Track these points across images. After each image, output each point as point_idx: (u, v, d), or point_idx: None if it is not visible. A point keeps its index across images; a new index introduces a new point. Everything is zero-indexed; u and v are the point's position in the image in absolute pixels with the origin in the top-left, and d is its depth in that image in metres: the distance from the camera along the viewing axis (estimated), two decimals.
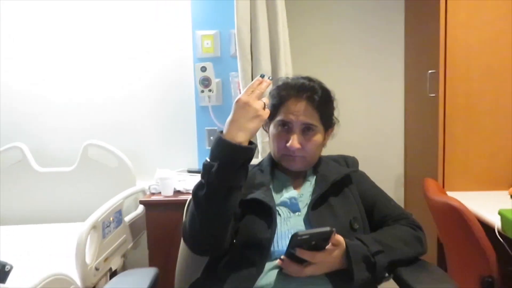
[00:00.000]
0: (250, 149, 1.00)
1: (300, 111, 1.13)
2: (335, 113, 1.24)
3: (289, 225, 1.08)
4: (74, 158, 2.35)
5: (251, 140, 1.03)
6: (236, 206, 1.05)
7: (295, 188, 1.18)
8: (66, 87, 2.44)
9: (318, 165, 1.22)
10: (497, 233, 1.34)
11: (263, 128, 1.23)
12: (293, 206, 1.13)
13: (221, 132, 1.03)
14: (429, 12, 1.94)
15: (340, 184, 1.16)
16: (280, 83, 1.22)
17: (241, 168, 1.00)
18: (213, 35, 2.30)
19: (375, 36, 2.38)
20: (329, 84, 1.26)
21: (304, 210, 1.12)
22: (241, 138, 0.99)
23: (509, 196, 1.73)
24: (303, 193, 1.16)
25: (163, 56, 2.40)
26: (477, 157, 1.89)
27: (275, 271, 1.03)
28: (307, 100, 1.14)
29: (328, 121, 1.20)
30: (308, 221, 1.09)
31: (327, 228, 0.95)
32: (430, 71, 1.93)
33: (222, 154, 0.99)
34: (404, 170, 2.41)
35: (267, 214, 1.08)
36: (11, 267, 1.34)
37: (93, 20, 2.40)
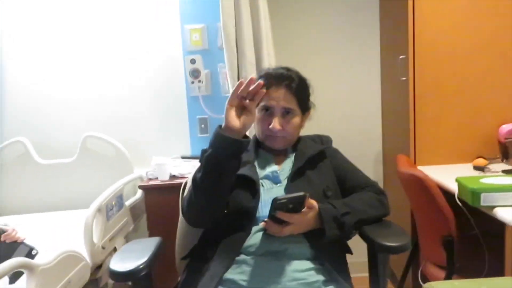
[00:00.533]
0: (238, 141, 1.14)
1: (280, 97, 1.29)
2: (311, 98, 1.41)
3: (271, 194, 1.25)
4: (74, 149, 2.49)
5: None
6: (227, 188, 1.21)
7: (277, 164, 1.35)
8: (65, 84, 2.57)
9: (297, 143, 1.39)
10: (456, 199, 1.52)
11: None
12: (275, 179, 1.30)
13: (221, 126, 1.18)
14: (399, 2, 2.09)
15: (316, 159, 1.33)
16: (262, 73, 1.38)
17: (231, 157, 1.15)
18: (201, 29, 2.45)
19: (352, 26, 2.52)
20: (311, 72, 1.42)
21: (284, 182, 1.29)
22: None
23: (472, 168, 1.92)
24: (284, 168, 1.34)
25: (156, 51, 2.53)
26: (445, 134, 2.06)
27: (261, 233, 1.20)
28: (286, 87, 1.30)
29: (305, 105, 1.36)
30: (287, 190, 1.26)
31: (301, 193, 1.12)
32: (400, 57, 2.09)
33: (215, 142, 1.15)
34: (382, 147, 2.59)
35: (252, 186, 1.25)
36: (37, 252, 1.52)
37: (90, 21, 2.52)
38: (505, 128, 1.99)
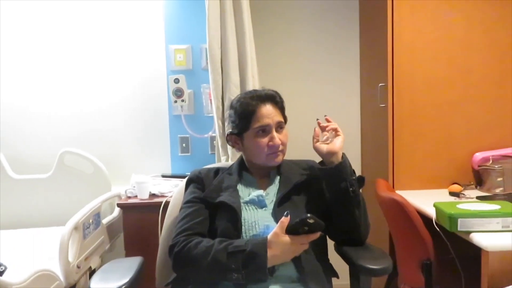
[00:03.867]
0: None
1: (272, 113, 1.33)
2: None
3: (256, 217, 1.26)
4: (50, 165, 2.43)
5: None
6: None
7: (261, 187, 1.36)
8: (42, 97, 2.53)
9: (281, 166, 1.40)
10: (434, 223, 1.56)
11: (230, 145, 1.42)
12: (260, 203, 1.31)
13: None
14: (379, 33, 2.17)
15: (301, 185, 1.35)
16: (241, 98, 1.38)
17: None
18: (185, 49, 2.47)
19: (334, 53, 2.61)
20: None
21: (270, 206, 1.30)
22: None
23: (448, 193, 1.98)
24: (269, 192, 1.34)
25: (139, 69, 2.54)
26: (422, 160, 2.13)
27: None
28: (272, 103, 1.35)
29: (286, 118, 1.41)
30: (275, 215, 1.27)
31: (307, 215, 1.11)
32: (380, 84, 2.17)
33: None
34: (361, 172, 2.64)
35: (234, 212, 1.25)
36: (6, 268, 1.45)
37: (70, 33, 2.52)
38: (478, 156, 2.07)
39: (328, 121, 1.33)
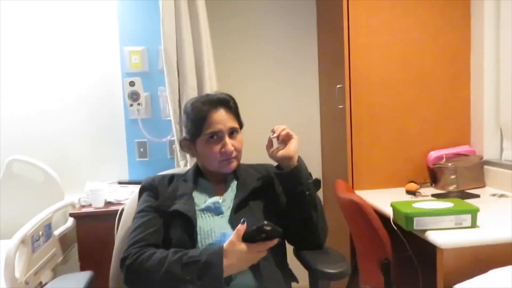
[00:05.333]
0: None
1: (224, 119, 1.28)
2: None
3: (212, 225, 1.22)
4: None
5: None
6: None
7: (217, 193, 1.32)
8: None
9: (238, 171, 1.36)
10: (392, 222, 1.58)
11: (185, 151, 1.38)
12: (216, 210, 1.26)
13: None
14: (336, 36, 2.19)
15: (259, 190, 1.31)
16: (194, 103, 1.34)
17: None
18: (141, 51, 2.40)
19: (292, 55, 2.62)
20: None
21: (227, 213, 1.26)
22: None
23: (405, 192, 2.02)
24: (226, 198, 1.30)
25: (91, 71, 2.45)
26: (379, 160, 2.16)
27: None
28: (225, 108, 1.30)
29: (241, 123, 1.37)
30: (231, 222, 1.23)
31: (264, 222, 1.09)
32: (338, 86, 2.19)
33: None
34: (322, 173, 2.66)
35: (188, 221, 1.21)
36: None
37: (18, 34, 2.38)
38: (433, 154, 2.13)
39: (274, 133, 1.30)
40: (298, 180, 1.24)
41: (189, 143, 1.34)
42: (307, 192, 1.23)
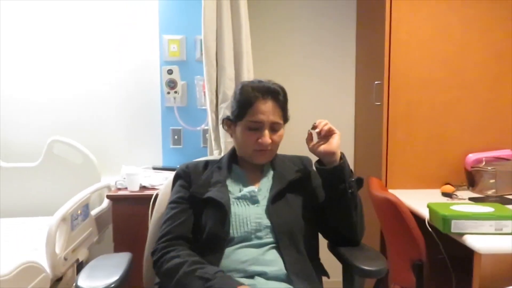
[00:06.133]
0: None
1: (269, 111, 1.26)
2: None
3: (248, 213, 1.22)
4: (38, 153, 2.39)
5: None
6: None
7: (251, 181, 1.32)
8: (33, 84, 2.48)
9: (274, 162, 1.36)
10: (427, 224, 1.56)
11: (225, 129, 1.37)
12: (252, 199, 1.27)
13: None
14: (377, 31, 2.15)
15: (295, 182, 1.31)
16: (244, 86, 1.32)
17: None
18: (179, 40, 2.43)
19: (330, 50, 2.59)
20: (287, 92, 1.42)
21: (263, 202, 1.26)
22: None
23: (440, 193, 1.98)
24: (261, 188, 1.30)
25: (131, 58, 2.50)
26: (415, 160, 2.12)
27: (236, 254, 1.18)
28: (274, 100, 1.28)
29: (287, 118, 1.34)
30: (268, 212, 1.23)
31: None
32: (376, 82, 2.16)
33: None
34: (354, 170, 2.63)
35: (222, 209, 1.21)
36: None
37: (61, 19, 2.46)
38: (471, 157, 2.08)
39: (315, 127, 1.27)
40: (341, 178, 1.22)
41: (230, 123, 1.34)
42: (350, 191, 1.21)
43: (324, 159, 1.25)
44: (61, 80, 2.50)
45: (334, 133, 1.26)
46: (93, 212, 2.15)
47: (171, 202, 1.30)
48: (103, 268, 1.15)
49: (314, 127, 1.28)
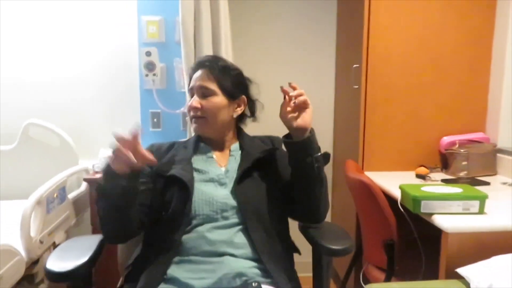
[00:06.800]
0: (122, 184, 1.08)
1: (199, 77, 1.30)
2: (259, 97, 1.43)
3: (215, 194, 1.23)
4: (14, 136, 2.35)
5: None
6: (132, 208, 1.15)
7: (218, 160, 1.33)
8: (8, 65, 2.43)
9: (242, 141, 1.37)
10: (399, 204, 1.59)
11: None
12: (220, 181, 1.27)
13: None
14: (356, 16, 2.16)
15: (263, 161, 1.31)
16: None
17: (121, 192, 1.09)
18: (158, 21, 2.39)
19: (310, 35, 2.59)
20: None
21: (230, 184, 1.26)
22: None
23: (414, 176, 2.02)
24: (229, 169, 1.30)
25: (109, 39, 2.46)
26: (391, 142, 2.15)
27: (200, 234, 1.18)
28: (207, 69, 1.31)
29: (230, 91, 1.31)
30: (234, 193, 1.24)
31: None
32: (354, 66, 2.17)
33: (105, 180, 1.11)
34: (333, 152, 2.66)
35: (186, 187, 1.21)
36: None
37: (38, 2, 2.40)
38: (446, 140, 2.12)
39: (294, 88, 1.23)
40: (308, 151, 1.21)
41: None
42: (316, 165, 1.22)
43: (295, 134, 1.23)
44: (38, 62, 2.45)
45: (308, 106, 1.21)
46: (71, 196, 2.14)
47: None
48: (73, 250, 1.14)
49: (291, 87, 1.23)
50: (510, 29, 2.04)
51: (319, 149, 1.24)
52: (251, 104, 1.41)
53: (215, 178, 1.27)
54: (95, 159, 2.27)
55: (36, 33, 2.42)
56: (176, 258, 1.15)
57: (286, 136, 1.26)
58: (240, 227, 1.21)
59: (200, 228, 1.19)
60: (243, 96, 1.37)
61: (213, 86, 1.29)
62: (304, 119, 1.20)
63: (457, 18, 2.11)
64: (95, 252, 1.13)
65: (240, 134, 1.41)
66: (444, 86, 2.14)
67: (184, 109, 2.40)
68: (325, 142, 2.64)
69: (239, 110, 1.36)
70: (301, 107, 1.20)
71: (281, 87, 1.22)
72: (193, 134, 2.17)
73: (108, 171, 1.08)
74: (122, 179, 1.06)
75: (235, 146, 1.37)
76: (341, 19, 2.53)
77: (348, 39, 2.40)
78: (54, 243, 1.91)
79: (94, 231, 2.09)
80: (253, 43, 2.56)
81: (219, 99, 1.30)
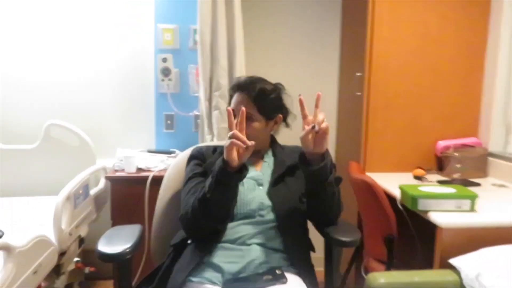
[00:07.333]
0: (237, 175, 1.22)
1: (239, 102, 1.43)
2: (292, 108, 1.54)
3: (253, 194, 1.39)
4: (36, 136, 2.48)
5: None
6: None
7: (254, 166, 1.48)
8: (30, 67, 2.56)
9: (275, 150, 1.53)
10: (398, 203, 1.76)
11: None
12: (258, 181, 1.43)
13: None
14: (360, 28, 2.30)
15: (294, 168, 1.47)
16: (233, 81, 1.56)
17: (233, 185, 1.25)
18: (173, 29, 2.55)
19: (316, 44, 2.74)
20: (274, 81, 1.55)
21: (265, 185, 1.43)
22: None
23: (412, 177, 2.19)
24: (263, 173, 1.47)
25: (127, 44, 2.61)
26: (391, 146, 2.31)
27: (239, 228, 1.34)
28: (246, 94, 1.44)
29: (268, 112, 1.45)
30: (269, 194, 1.40)
31: None
32: (357, 74, 2.33)
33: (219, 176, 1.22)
34: (335, 154, 2.82)
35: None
36: (3, 233, 1.55)
37: (61, 6, 2.53)
38: (441, 143, 2.28)
39: (318, 98, 1.31)
40: (322, 178, 1.30)
41: None
42: (329, 189, 1.32)
43: (310, 156, 1.29)
44: (59, 65, 2.58)
45: (328, 133, 1.27)
46: (92, 192, 2.28)
47: (190, 178, 1.43)
48: (118, 236, 1.31)
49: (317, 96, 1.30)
50: (502, 42, 2.20)
51: (333, 168, 1.33)
52: (286, 116, 1.54)
53: (254, 177, 1.43)
54: (112, 158, 2.41)
55: (57, 36, 2.56)
56: (213, 246, 1.31)
57: (301, 157, 1.32)
58: (273, 224, 1.36)
59: (238, 222, 1.35)
60: (280, 115, 1.51)
61: (253, 111, 1.42)
62: (322, 146, 1.27)
63: (453, 31, 2.27)
64: (138, 238, 1.29)
65: (272, 142, 1.57)
66: (440, 94, 2.30)
67: (196, 112, 2.55)
68: (328, 145, 2.78)
69: (276, 127, 1.52)
70: (321, 133, 1.26)
71: (300, 99, 1.32)
72: (207, 137, 2.35)
73: (222, 166, 1.20)
74: (237, 174, 1.20)
75: (268, 153, 1.53)
76: (345, 29, 2.69)
77: (351, 49, 2.56)
78: (79, 235, 2.07)
79: (114, 225, 2.23)
80: (261, 49, 2.69)
81: (258, 123, 1.44)
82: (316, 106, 1.29)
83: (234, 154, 1.18)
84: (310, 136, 1.26)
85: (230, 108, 1.34)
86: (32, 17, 2.53)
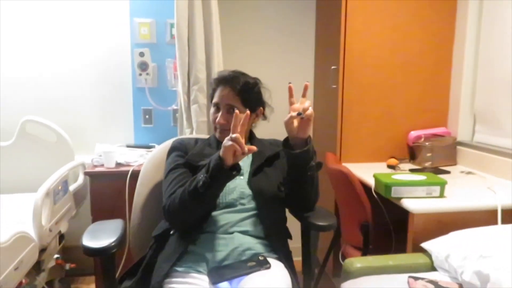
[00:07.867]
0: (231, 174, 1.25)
1: (224, 95, 1.48)
2: (271, 102, 1.60)
3: (235, 184, 1.42)
4: (11, 132, 2.44)
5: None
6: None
7: None
8: (5, 63, 2.51)
9: (253, 142, 1.57)
10: (373, 191, 1.84)
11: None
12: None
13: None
14: (334, 22, 2.37)
15: (272, 159, 1.53)
16: (213, 78, 1.57)
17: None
18: (150, 23, 2.54)
19: (291, 38, 2.79)
20: (251, 75, 1.60)
21: (246, 175, 1.47)
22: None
23: (386, 166, 2.27)
24: (243, 163, 1.48)
25: (103, 39, 2.59)
26: (366, 137, 2.40)
27: (222, 217, 1.38)
28: (230, 87, 1.48)
29: (251, 105, 1.49)
30: (250, 184, 1.45)
31: None
32: (332, 67, 2.39)
33: (214, 172, 1.25)
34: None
35: None
36: None
37: (35, 0, 2.49)
38: (413, 134, 2.38)
39: (305, 88, 1.36)
40: (305, 161, 1.36)
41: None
42: (309, 173, 1.38)
43: (294, 140, 1.36)
44: (34, 61, 2.54)
45: (312, 119, 1.32)
46: (71, 188, 2.27)
47: (171, 169, 1.45)
48: (102, 231, 1.32)
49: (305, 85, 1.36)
50: (468, 38, 2.31)
51: (314, 154, 1.39)
52: (264, 109, 1.59)
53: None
54: (90, 153, 2.40)
55: (32, 32, 2.52)
56: (197, 235, 1.34)
57: (285, 142, 1.39)
58: (254, 212, 1.41)
59: (221, 211, 1.39)
60: (261, 108, 1.56)
61: (237, 104, 1.47)
62: (306, 131, 1.34)
63: (422, 25, 2.36)
64: (122, 233, 1.31)
65: (251, 136, 1.61)
66: (412, 86, 2.40)
67: (174, 106, 2.56)
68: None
69: (257, 120, 1.57)
70: (306, 119, 1.31)
71: (290, 86, 1.38)
72: (186, 131, 2.38)
73: (218, 163, 1.23)
74: (230, 171, 1.24)
75: (248, 144, 1.56)
76: (320, 23, 2.75)
77: (326, 43, 2.62)
78: (60, 231, 2.06)
79: (94, 220, 2.22)
80: (238, 44, 2.73)
81: (242, 114, 1.46)
82: (303, 95, 1.36)
83: (231, 155, 1.23)
84: (295, 122, 1.32)
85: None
86: (6, 14, 2.48)
